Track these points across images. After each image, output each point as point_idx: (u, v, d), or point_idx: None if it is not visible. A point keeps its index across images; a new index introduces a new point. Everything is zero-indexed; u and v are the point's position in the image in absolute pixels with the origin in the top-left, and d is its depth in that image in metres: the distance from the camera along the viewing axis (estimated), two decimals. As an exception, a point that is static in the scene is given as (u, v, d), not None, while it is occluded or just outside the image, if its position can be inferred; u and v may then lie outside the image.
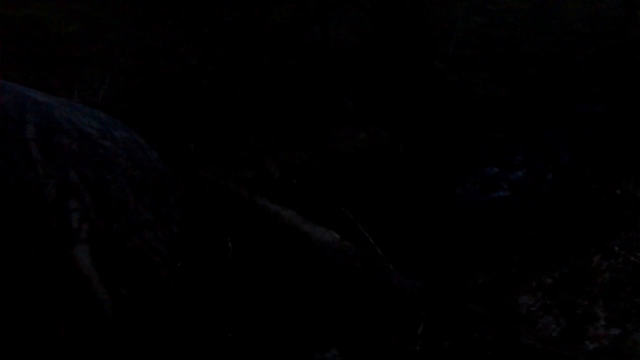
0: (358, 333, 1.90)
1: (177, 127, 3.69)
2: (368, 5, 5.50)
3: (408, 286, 2.21)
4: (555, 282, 2.63)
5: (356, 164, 3.88)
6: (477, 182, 3.85)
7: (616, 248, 2.94)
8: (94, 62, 4.46)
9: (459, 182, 3.83)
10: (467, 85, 5.53)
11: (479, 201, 3.60)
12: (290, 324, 1.77)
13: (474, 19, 6.92)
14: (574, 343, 2.12)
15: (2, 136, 0.92)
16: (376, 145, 4.24)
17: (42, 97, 1.13)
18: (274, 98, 4.41)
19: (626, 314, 2.33)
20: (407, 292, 2.18)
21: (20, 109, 0.99)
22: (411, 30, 5.49)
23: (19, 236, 0.92)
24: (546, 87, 5.59)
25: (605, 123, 4.91)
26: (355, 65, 5.26)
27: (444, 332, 1.97)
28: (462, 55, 6.08)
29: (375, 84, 5.08)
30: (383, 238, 2.73)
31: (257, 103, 4.27)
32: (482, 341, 1.99)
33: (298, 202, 2.89)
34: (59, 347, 0.90)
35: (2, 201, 0.88)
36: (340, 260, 2.28)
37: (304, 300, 1.94)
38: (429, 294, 2.20)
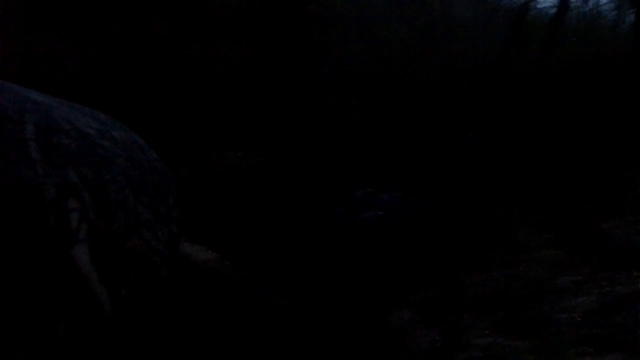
0: (229, 347, 1.87)
1: None
2: (248, 27, 5.52)
3: (277, 304, 2.23)
4: (426, 298, 2.65)
5: (233, 184, 3.92)
6: (352, 202, 3.93)
7: (481, 266, 3.01)
8: None
9: (333, 202, 3.90)
10: (342, 110, 5.61)
11: (354, 220, 3.67)
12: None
13: (352, 47, 6.98)
14: (443, 352, 2.13)
15: (2, 136, 0.92)
16: (253, 166, 4.30)
17: (41, 97, 1.13)
18: (155, 124, 4.39)
19: (494, 325, 2.34)
20: (276, 309, 2.18)
21: (20, 109, 0.99)
22: (291, 54, 5.52)
23: (19, 236, 0.92)
24: (420, 115, 5.70)
25: (474, 150, 5.04)
26: (236, 87, 5.28)
27: (313, 347, 1.98)
28: (339, 81, 6.15)
29: (255, 106, 5.11)
30: (259, 257, 2.76)
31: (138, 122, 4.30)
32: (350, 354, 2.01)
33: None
34: (59, 347, 0.89)
35: (1, 201, 0.88)
36: (218, 279, 2.26)
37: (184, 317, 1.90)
38: (298, 312, 2.21)
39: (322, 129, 5.09)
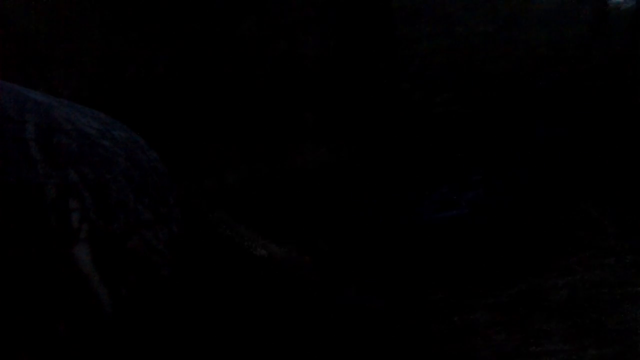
0: (320, 354, 1.87)
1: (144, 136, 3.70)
2: (334, 21, 5.48)
3: (368, 304, 2.21)
4: (511, 299, 2.65)
5: (317, 179, 3.91)
6: (435, 200, 3.90)
7: (573, 267, 2.98)
8: (61, 64, 4.44)
9: (417, 199, 3.87)
10: (430, 105, 5.57)
11: (437, 219, 3.64)
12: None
13: (438, 40, 6.96)
14: (516, 357, 2.13)
15: (2, 136, 0.92)
16: (337, 162, 4.28)
17: (42, 97, 1.13)
18: (237, 109, 4.42)
19: (582, 330, 2.34)
20: (367, 310, 2.16)
21: (20, 109, 0.99)
22: (377, 48, 5.50)
23: (19, 236, 0.92)
24: (507, 109, 5.65)
25: (564, 146, 4.98)
26: (320, 81, 5.25)
27: (406, 349, 1.96)
28: (426, 75, 6.12)
29: (339, 101, 5.09)
30: (343, 255, 2.75)
31: (221, 114, 4.28)
32: (443, 356, 1.99)
33: (258, 217, 2.91)
34: (59, 346, 0.90)
35: (2, 201, 0.88)
36: (299, 278, 2.26)
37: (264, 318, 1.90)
38: (390, 313, 2.19)
39: (406, 124, 5.07)
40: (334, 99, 5.06)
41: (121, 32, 4.58)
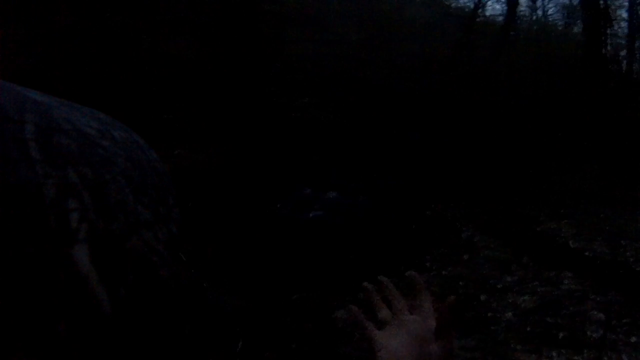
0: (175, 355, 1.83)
1: None
2: (206, 22, 5.50)
3: (227, 305, 2.19)
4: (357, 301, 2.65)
5: (180, 181, 3.92)
6: (295, 200, 3.92)
7: (427, 264, 3.01)
8: None
9: (278, 201, 3.89)
10: (293, 109, 5.63)
11: (296, 220, 3.66)
12: None
13: (305, 46, 7.02)
14: None
15: (1, 136, 0.92)
16: (199, 163, 4.30)
17: (41, 97, 1.13)
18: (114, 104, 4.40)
19: None
20: (226, 310, 2.14)
21: (20, 109, 0.99)
22: (245, 51, 5.53)
23: (18, 236, 0.92)
24: (371, 115, 5.73)
25: (421, 150, 5.06)
26: (186, 84, 5.28)
27: (265, 347, 1.95)
28: (293, 79, 6.17)
29: (204, 103, 5.12)
30: (205, 256, 2.74)
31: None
32: (303, 353, 1.99)
33: None
34: (59, 347, 0.90)
35: (1, 201, 0.88)
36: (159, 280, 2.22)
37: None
38: (249, 312, 2.18)
39: (271, 127, 5.14)
40: (197, 100, 5.10)
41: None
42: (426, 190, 3.99)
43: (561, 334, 2.12)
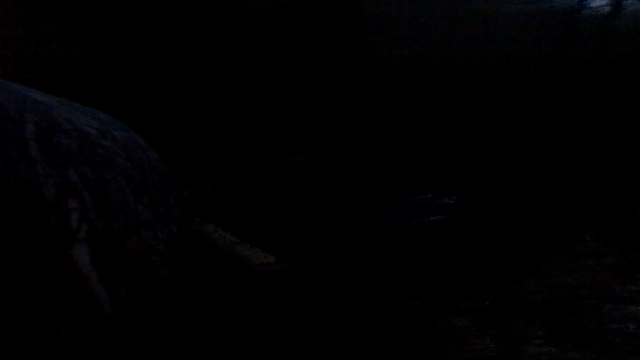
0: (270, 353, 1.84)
1: None
2: (305, 28, 5.48)
3: (346, 311, 2.18)
4: (491, 304, 2.64)
5: (279, 188, 3.89)
6: (411, 205, 3.84)
7: (548, 271, 2.97)
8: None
9: (392, 205, 3.81)
10: (395, 113, 5.55)
11: (412, 224, 3.58)
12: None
13: (403, 49, 6.96)
14: None
15: (2, 135, 0.92)
16: (310, 166, 4.26)
17: (41, 97, 1.13)
18: (205, 115, 4.42)
19: (563, 334, 2.34)
20: (346, 317, 2.14)
21: (20, 108, 0.99)
22: (349, 56, 5.50)
23: (18, 235, 0.92)
24: (480, 118, 5.64)
25: (538, 155, 4.97)
26: (279, 91, 5.24)
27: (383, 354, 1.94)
28: (391, 82, 6.13)
29: (313, 106, 5.07)
30: (312, 263, 2.72)
31: (189, 122, 4.28)
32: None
33: (235, 222, 2.90)
34: (59, 347, 0.89)
35: (1, 200, 0.88)
36: (277, 285, 2.24)
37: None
38: (369, 320, 2.17)
39: (374, 131, 5.06)
40: (309, 104, 5.07)
41: (86, 35, 4.60)
42: (547, 196, 3.92)
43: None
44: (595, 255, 3.14)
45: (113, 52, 4.55)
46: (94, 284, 0.99)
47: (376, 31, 6.47)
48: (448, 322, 2.37)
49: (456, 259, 3.04)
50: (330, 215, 3.46)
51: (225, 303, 1.94)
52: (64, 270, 0.94)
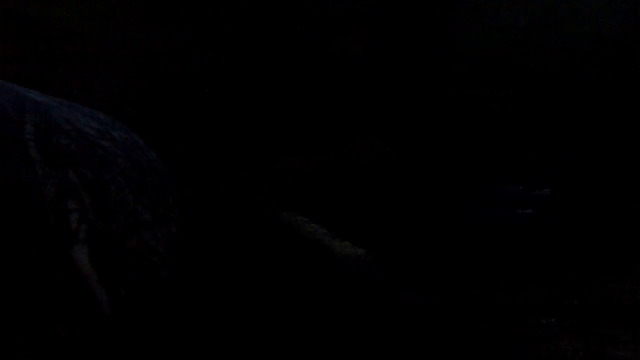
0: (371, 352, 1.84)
1: (184, 133, 3.67)
2: (384, 18, 5.43)
3: (434, 307, 2.15)
4: (580, 304, 2.59)
5: (365, 177, 3.84)
6: (501, 198, 3.72)
7: (634, 273, 2.87)
8: (98, 61, 4.44)
9: (481, 197, 3.70)
10: (475, 102, 5.42)
11: (503, 217, 3.45)
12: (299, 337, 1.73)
13: (475, 35, 6.82)
14: None
15: (1, 137, 0.92)
16: (393, 157, 4.20)
17: (41, 98, 1.13)
18: (287, 108, 4.42)
19: (638, 337, 2.28)
20: (433, 312, 2.11)
21: (20, 110, 0.99)
22: (429, 44, 5.44)
23: (18, 236, 0.92)
24: (545, 103, 5.50)
25: (620, 145, 4.79)
26: (373, 77, 5.19)
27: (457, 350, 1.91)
28: (461, 68, 6.02)
29: (392, 96, 5.02)
30: (394, 254, 2.68)
31: (267, 113, 4.26)
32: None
33: (319, 212, 2.88)
34: (59, 347, 0.89)
35: (1, 201, 0.88)
36: (360, 276, 2.23)
37: (320, 312, 1.89)
38: (456, 316, 2.12)
39: (452, 120, 4.94)
40: (387, 94, 5.01)
41: (162, 30, 4.59)
42: (633, 188, 3.75)
43: None
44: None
45: (193, 47, 4.54)
46: (94, 285, 0.99)
47: (461, 18, 6.36)
48: (537, 320, 2.33)
49: (547, 255, 2.96)
50: (421, 207, 3.39)
51: (314, 295, 1.95)
52: (64, 271, 0.94)
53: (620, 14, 7.40)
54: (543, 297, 2.57)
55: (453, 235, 3.10)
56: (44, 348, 0.87)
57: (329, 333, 1.77)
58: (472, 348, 1.94)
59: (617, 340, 2.28)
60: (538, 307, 2.49)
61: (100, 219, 1.06)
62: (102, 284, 0.97)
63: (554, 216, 3.56)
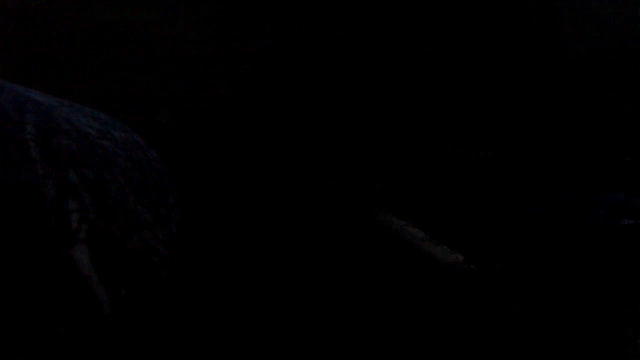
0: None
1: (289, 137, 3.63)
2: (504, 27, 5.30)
3: (519, 318, 2.05)
4: None
5: (468, 180, 3.73)
6: (610, 205, 3.49)
7: None
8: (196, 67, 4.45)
9: (589, 203, 3.48)
10: (587, 103, 5.16)
11: (611, 226, 3.23)
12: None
13: (583, 33, 6.55)
14: None
15: (2, 136, 0.92)
16: (485, 163, 4.09)
17: (41, 98, 1.13)
18: (380, 111, 4.37)
19: None
20: (517, 325, 2.02)
21: (20, 109, 0.99)
22: (540, 45, 5.30)
23: (18, 236, 0.92)
24: None
25: None
26: (464, 83, 5.08)
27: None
28: (568, 69, 5.79)
29: (482, 102, 4.90)
30: (508, 262, 2.55)
31: (365, 118, 4.22)
32: None
33: (418, 214, 2.83)
34: (59, 347, 0.89)
35: (1, 201, 0.88)
36: (460, 283, 2.19)
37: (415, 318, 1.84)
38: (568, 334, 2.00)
39: (563, 124, 4.80)
40: (489, 96, 4.91)
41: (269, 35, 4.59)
42: None
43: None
44: None
45: (281, 51, 4.52)
46: (94, 285, 0.99)
47: (569, 16, 6.15)
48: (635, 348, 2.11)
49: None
50: (523, 213, 3.29)
51: (404, 299, 1.92)
52: (64, 271, 0.94)
53: None
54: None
55: (555, 242, 2.97)
56: (44, 348, 0.87)
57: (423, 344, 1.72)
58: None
59: None
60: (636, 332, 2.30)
61: (101, 219, 1.06)
62: (102, 284, 0.97)
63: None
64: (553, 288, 2.40)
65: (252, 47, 4.44)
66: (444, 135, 4.35)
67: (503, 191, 3.62)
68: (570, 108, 5.12)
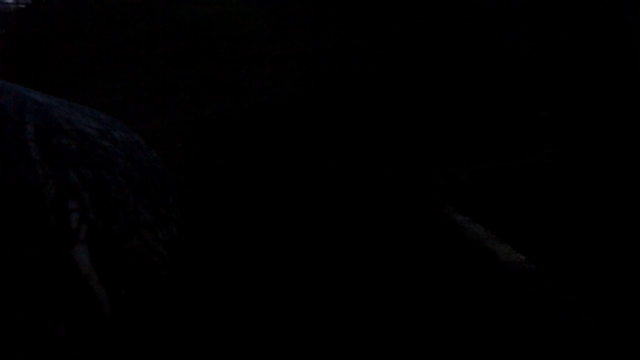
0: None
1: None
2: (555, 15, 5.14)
3: (581, 324, 1.97)
4: None
5: (528, 181, 3.66)
6: None
7: None
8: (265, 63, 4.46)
9: None
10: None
11: None
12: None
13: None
14: None
15: (2, 136, 0.92)
16: (555, 166, 3.99)
17: (42, 98, 1.13)
18: (459, 107, 4.32)
19: None
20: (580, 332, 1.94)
21: (20, 110, 0.99)
22: (610, 47, 5.14)
23: (19, 236, 0.92)
24: None
25: None
26: (525, 84, 4.95)
27: None
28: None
29: (565, 100, 4.76)
30: (562, 264, 2.47)
31: (443, 113, 4.18)
32: None
33: (488, 215, 2.79)
34: (59, 347, 0.89)
35: (1, 201, 0.88)
36: (521, 284, 2.16)
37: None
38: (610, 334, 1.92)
39: (622, 121, 4.68)
40: (563, 97, 4.80)
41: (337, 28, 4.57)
42: None
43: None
44: None
45: (351, 48, 4.51)
46: (94, 285, 0.99)
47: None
48: None
49: None
50: (585, 214, 3.19)
51: (456, 297, 1.89)
52: (64, 271, 0.94)
53: None
54: None
55: (621, 247, 2.84)
56: (44, 348, 0.87)
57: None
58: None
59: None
60: None
61: (101, 219, 1.06)
62: (102, 284, 0.97)
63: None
64: (618, 297, 2.30)
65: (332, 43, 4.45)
66: (513, 136, 4.30)
67: (569, 192, 3.54)
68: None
